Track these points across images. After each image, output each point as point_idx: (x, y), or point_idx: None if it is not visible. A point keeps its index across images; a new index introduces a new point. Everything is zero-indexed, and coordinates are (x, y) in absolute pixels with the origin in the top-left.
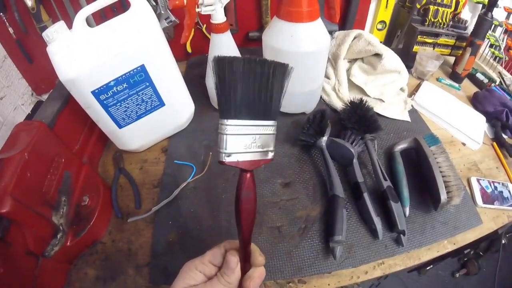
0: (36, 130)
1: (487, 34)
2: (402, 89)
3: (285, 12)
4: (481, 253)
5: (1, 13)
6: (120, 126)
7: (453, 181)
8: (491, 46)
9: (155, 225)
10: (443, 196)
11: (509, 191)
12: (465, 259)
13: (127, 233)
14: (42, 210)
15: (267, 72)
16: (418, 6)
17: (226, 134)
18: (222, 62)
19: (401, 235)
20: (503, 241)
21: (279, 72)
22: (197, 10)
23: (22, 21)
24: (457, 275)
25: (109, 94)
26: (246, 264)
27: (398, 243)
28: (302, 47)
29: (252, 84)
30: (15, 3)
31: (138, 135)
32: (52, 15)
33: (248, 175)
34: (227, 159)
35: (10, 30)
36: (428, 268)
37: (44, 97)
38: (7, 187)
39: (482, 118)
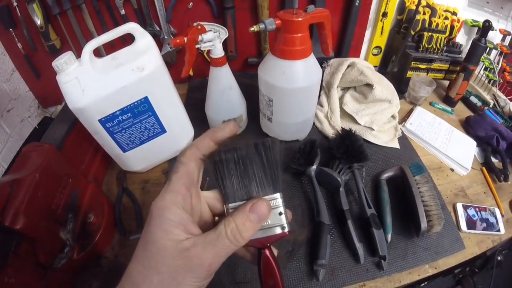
0: (46, 152)
1: (482, 57)
2: (393, 116)
3: (278, 50)
4: (476, 270)
5: (10, 29)
6: (124, 151)
7: (434, 210)
8: (485, 69)
9: None
10: (423, 225)
11: (495, 217)
12: (460, 276)
13: (129, 249)
14: (51, 226)
15: (259, 159)
16: (412, 33)
17: None
18: (219, 164)
19: (382, 260)
20: (498, 258)
21: (269, 154)
22: (197, 46)
23: (31, 38)
24: None
25: (115, 122)
26: None
27: (379, 267)
28: (294, 83)
29: (247, 171)
30: (24, 20)
31: (141, 158)
32: (60, 34)
33: (264, 252)
34: None
35: (19, 45)
36: (422, 285)
37: (50, 110)
38: (20, 206)
39: (473, 143)
